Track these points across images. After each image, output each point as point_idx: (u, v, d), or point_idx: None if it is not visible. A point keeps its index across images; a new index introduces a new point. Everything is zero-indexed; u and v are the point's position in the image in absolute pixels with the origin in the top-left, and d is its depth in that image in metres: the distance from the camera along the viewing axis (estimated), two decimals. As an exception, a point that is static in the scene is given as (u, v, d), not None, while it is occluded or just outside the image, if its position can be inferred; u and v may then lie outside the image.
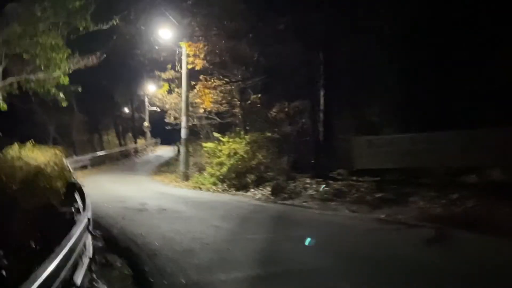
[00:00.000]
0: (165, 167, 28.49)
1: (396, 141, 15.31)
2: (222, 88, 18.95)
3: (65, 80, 14.63)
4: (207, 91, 19.06)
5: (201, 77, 19.45)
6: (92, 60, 21.91)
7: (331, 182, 15.87)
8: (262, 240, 7.95)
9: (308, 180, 16.60)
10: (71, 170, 13.90)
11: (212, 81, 18.83)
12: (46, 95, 14.79)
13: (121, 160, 34.83)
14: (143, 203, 12.36)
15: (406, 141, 14.88)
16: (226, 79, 18.94)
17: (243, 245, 7.49)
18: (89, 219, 6.22)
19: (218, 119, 23.32)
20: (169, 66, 22.51)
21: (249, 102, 19.17)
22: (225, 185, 18.11)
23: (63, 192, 8.74)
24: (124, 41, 29.30)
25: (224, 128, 22.84)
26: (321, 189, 15.23)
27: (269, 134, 19.39)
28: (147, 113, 43.61)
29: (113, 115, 42.05)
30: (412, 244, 7.53)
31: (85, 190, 15.66)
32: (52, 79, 14.12)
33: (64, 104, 15.15)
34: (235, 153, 18.23)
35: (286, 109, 20.23)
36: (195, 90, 20.82)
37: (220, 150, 18.76)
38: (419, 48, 14.95)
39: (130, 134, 46.48)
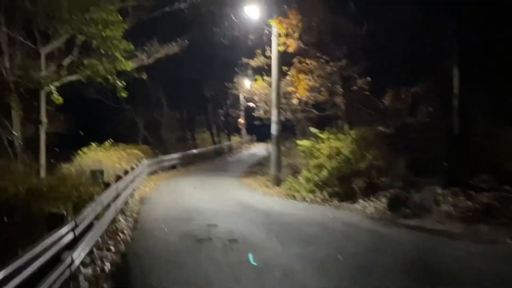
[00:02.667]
0: (257, 167, 25.43)
1: None
2: (321, 72, 15.14)
3: (127, 66, 12.03)
4: (301, 76, 15.41)
5: (294, 60, 15.84)
6: (173, 48, 19.65)
7: (473, 192, 11.47)
8: None
9: (438, 190, 12.27)
10: (122, 176, 11.17)
11: (308, 62, 15.07)
12: (104, 84, 12.36)
13: (213, 159, 32.68)
14: (213, 224, 9.10)
15: None
16: (325, 58, 15.07)
17: None
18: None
19: (315, 111, 19.57)
20: (258, 51, 19.22)
21: (354, 88, 15.11)
22: (325, 193, 14.36)
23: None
24: (210, 30, 27.06)
25: (323, 123, 19.12)
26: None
27: (380, 128, 15.24)
28: (242, 108, 41.40)
29: (206, 111, 40.30)
30: None
31: (154, 200, 13.08)
32: (110, 64, 11.60)
33: (124, 94, 12.62)
34: (338, 153, 14.40)
35: (403, 96, 15.88)
36: (288, 78, 17.32)
37: (319, 149, 15.04)
38: None
39: (225, 131, 44.81)
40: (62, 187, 6.83)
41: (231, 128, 43.67)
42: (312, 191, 14.77)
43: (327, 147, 14.75)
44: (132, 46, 11.79)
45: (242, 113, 41.77)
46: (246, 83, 33.84)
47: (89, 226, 5.74)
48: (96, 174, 12.91)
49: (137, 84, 30.39)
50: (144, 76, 14.56)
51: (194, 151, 31.83)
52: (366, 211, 12.39)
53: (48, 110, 16.46)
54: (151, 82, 30.73)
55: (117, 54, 11.55)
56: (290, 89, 16.53)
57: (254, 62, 19.78)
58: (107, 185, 8.84)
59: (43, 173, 15.17)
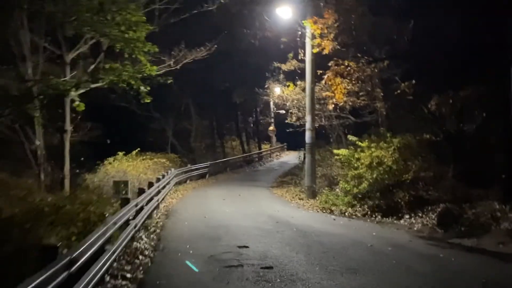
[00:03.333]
0: (288, 177, 24.28)
1: None
2: (360, 74, 13.92)
3: (152, 70, 11.19)
4: (338, 80, 14.23)
5: (330, 63, 14.69)
6: (202, 52, 18.82)
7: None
8: None
9: (496, 205, 10.89)
10: (144, 189, 10.25)
11: (347, 63, 13.86)
12: (127, 89, 11.56)
13: (243, 168, 31.75)
14: (243, 245, 8.02)
15: None
16: (366, 58, 13.82)
17: None
18: None
19: (352, 117, 18.34)
20: (290, 55, 18.19)
21: (397, 92, 13.81)
22: (365, 207, 13.13)
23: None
24: (240, 33, 26.24)
25: (360, 130, 17.88)
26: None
27: (426, 135, 13.91)
28: (272, 115, 40.38)
29: (236, 118, 39.48)
30: None
31: (180, 212, 12.19)
32: (133, 68, 10.79)
33: (148, 100, 11.77)
34: (380, 163, 13.13)
35: (451, 101, 14.46)
36: (323, 82, 16.19)
37: (358, 159, 13.80)
38: None
39: (255, 139, 43.85)
40: (69, 206, 5.92)
41: (261, 136, 42.63)
42: (351, 205, 13.57)
43: (368, 156, 13.49)
44: (157, 49, 10.95)
45: (272, 121, 40.72)
46: (277, 89, 32.88)
47: (95, 258, 4.77)
48: (120, 186, 12.11)
49: (166, 92, 29.95)
50: (170, 81, 13.70)
51: (224, 159, 30.99)
52: (413, 228, 11.11)
53: (74, 118, 15.90)
54: (180, 90, 30.22)
55: (141, 58, 10.71)
56: (326, 93, 15.37)
57: (286, 66, 18.76)
58: (126, 201, 7.93)
59: (67, 184, 14.54)
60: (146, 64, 10.93)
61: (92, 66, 13.99)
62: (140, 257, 7.17)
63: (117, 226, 6.01)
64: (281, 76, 19.41)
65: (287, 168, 29.72)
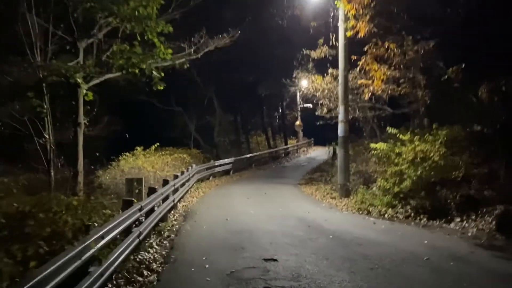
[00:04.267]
0: (317, 173, 22.79)
1: None
2: (401, 58, 12.28)
3: (167, 53, 9.91)
4: (375, 66, 12.64)
5: (366, 47, 13.10)
6: (225, 39, 17.49)
7: None
8: None
9: None
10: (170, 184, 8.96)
11: (387, 46, 12.23)
12: (139, 75, 10.32)
13: (269, 164, 30.37)
14: (270, 257, 6.63)
15: None
16: (411, 38, 12.11)
17: None
18: None
19: (389, 108, 16.73)
20: (320, 41, 16.66)
21: (443, 79, 12.13)
22: (408, 208, 11.55)
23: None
24: (265, 21, 24.87)
25: (397, 122, 16.30)
26: None
27: (479, 127, 12.23)
28: (298, 110, 38.86)
29: (262, 113, 38.13)
30: None
31: (199, 214, 10.94)
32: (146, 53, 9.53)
33: (161, 87, 10.51)
34: (424, 158, 11.54)
35: (503, 88, 12.73)
36: (357, 69, 14.67)
37: (399, 154, 12.24)
38: None
39: (280, 134, 42.41)
40: (42, 215, 4.65)
41: (287, 131, 41.16)
42: (391, 205, 12.01)
43: (411, 150, 11.91)
44: (171, 28, 9.68)
45: (299, 115, 39.18)
46: (305, 81, 31.11)
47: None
48: (133, 184, 10.93)
49: (189, 86, 28.90)
50: (187, 66, 12.43)
51: (249, 155, 29.69)
52: (467, 234, 9.51)
53: (89, 111, 14.85)
54: (203, 83, 29.07)
55: (154, 39, 9.46)
56: (361, 81, 13.77)
57: (315, 54, 17.21)
58: (128, 203, 6.67)
59: (80, 181, 13.49)
60: (160, 46, 9.64)
61: (105, 55, 12.89)
62: (145, 272, 5.89)
63: (105, 241, 4.71)
64: (310, 65, 17.87)
65: (315, 164, 28.21)
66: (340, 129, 14.64)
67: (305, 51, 17.46)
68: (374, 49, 12.33)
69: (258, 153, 31.62)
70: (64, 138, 15.48)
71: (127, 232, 6.07)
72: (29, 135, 15.94)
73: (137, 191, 10.72)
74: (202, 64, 27.34)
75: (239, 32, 17.07)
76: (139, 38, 9.95)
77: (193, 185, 17.01)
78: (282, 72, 28.85)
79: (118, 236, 5.60)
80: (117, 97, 24.98)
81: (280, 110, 41.02)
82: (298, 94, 39.60)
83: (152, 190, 8.54)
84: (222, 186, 19.17)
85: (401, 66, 12.59)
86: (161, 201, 9.43)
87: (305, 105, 37.33)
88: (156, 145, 16.67)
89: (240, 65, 27.74)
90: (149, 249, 7.19)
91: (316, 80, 17.19)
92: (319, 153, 37.68)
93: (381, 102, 16.70)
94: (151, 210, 7.95)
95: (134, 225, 6.66)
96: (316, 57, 17.23)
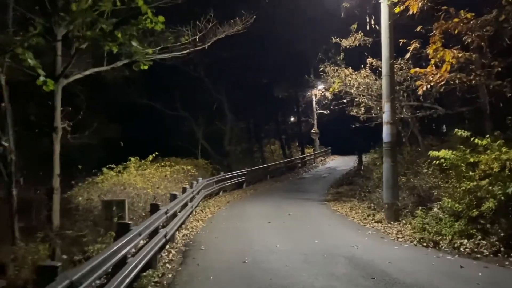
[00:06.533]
0: (344, 186, 19.56)
1: None
2: (480, 33, 9.00)
3: (157, 21, 6.88)
4: (441, 52, 9.38)
5: (434, 25, 9.74)
6: (237, 25, 14.48)
7: None
8: None
9: None
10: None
11: (463, 16, 8.95)
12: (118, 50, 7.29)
13: (286, 175, 27.19)
14: None
15: None
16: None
17: None
18: None
19: (440, 108, 13.54)
20: (353, 26, 13.53)
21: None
22: (494, 239, 8.29)
23: None
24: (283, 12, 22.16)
25: (451, 125, 13.24)
26: None
27: None
28: (315, 116, 35.81)
29: (276, 119, 35.02)
30: None
31: (205, 249, 7.82)
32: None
33: (145, 66, 7.45)
34: (512, 170, 8.31)
35: None
36: (406, 56, 11.55)
37: (475, 164, 9.03)
38: None
39: (296, 142, 39.26)
40: None
41: (303, 139, 38.05)
42: (466, 234, 8.74)
43: (491, 159, 8.69)
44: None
45: (315, 121, 36.10)
46: (321, 86, 28.02)
47: None
48: (111, 207, 7.88)
49: (196, 87, 25.92)
50: (187, 51, 9.54)
51: (263, 165, 26.52)
52: None
53: (69, 114, 11.82)
54: (212, 85, 26.09)
55: (139, 1, 6.45)
56: (414, 70, 10.52)
57: (347, 42, 14.08)
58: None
59: (56, 200, 10.42)
60: (147, 12, 6.62)
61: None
62: None
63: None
64: (341, 56, 14.69)
65: (338, 176, 24.94)
66: (386, 133, 11.41)
67: (334, 39, 14.32)
68: (445, 20, 9.04)
69: (273, 163, 28.51)
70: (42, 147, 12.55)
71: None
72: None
73: (116, 218, 7.64)
74: (210, 63, 24.46)
75: (254, 17, 14.04)
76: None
77: (199, 203, 13.90)
78: (299, 71, 25.85)
79: None
80: (114, 100, 22.13)
81: (296, 116, 37.95)
82: (314, 100, 36.71)
83: (124, 227, 5.35)
84: (235, 204, 16.00)
85: (478, 46, 9.31)
86: (145, 239, 6.31)
87: (322, 111, 34.33)
88: (154, 155, 13.57)
89: (252, 63, 24.75)
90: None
91: (351, 74, 14.03)
92: (339, 162, 34.51)
93: (429, 100, 13.55)
94: (123, 260, 4.83)
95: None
96: (347, 46, 14.11)
